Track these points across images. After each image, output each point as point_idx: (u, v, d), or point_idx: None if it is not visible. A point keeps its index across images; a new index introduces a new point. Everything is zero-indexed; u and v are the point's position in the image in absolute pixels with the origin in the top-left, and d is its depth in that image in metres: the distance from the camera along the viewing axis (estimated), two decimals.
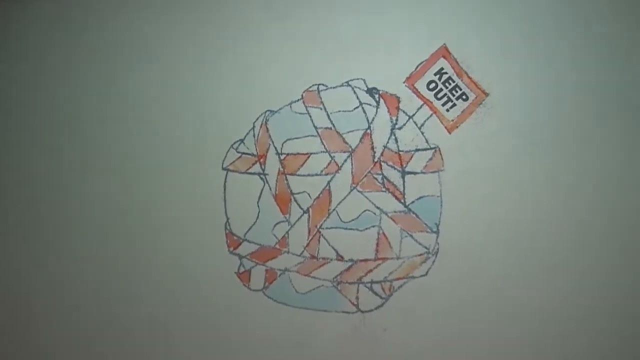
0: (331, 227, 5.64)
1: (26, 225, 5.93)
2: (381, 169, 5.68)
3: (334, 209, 5.67)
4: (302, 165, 5.74)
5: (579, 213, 5.39)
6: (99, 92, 6.04)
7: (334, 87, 5.80)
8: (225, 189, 5.79)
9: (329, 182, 5.71)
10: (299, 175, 5.75)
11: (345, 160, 5.70)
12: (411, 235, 5.57)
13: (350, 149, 5.74)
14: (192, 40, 5.98)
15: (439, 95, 5.68)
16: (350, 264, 5.60)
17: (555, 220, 5.40)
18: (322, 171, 5.73)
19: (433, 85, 5.69)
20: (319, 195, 5.71)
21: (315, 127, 5.77)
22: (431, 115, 5.66)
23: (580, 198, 5.40)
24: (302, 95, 5.85)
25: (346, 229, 5.64)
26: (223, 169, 5.84)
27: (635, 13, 5.65)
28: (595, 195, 5.39)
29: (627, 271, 5.26)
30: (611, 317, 5.25)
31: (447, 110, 5.65)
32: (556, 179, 5.45)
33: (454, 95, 5.66)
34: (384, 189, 5.67)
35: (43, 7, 6.15)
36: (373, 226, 5.62)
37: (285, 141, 5.82)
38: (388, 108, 5.73)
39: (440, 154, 5.64)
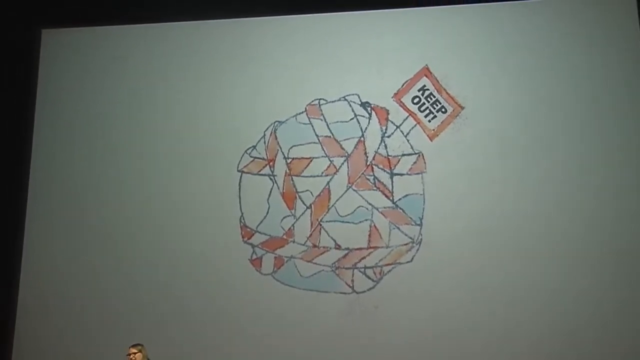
0: (330, 221, 6.40)
1: (74, 223, 6.64)
2: (373, 171, 6.47)
3: (332, 205, 6.43)
4: (305, 168, 6.51)
5: (545, 208, 6.16)
6: (134, 107, 6.75)
7: (332, 101, 6.63)
8: (240, 188, 6.55)
9: (328, 182, 6.48)
10: (303, 176, 6.52)
11: (342, 164, 6.49)
12: (398, 228, 6.34)
13: (346, 154, 6.52)
14: (212, 62, 6.73)
15: (422, 108, 6.51)
16: (346, 252, 6.35)
17: (523, 214, 6.17)
18: (322, 173, 6.50)
19: (417, 99, 6.53)
20: (320, 193, 6.47)
21: (317, 136, 6.56)
22: (415, 125, 6.49)
23: (545, 195, 6.19)
24: (305, 108, 6.66)
25: (343, 222, 6.38)
26: (238, 171, 6.60)
27: (593, 35, 6.39)
28: (559, 193, 6.18)
29: (588, 256, 6.02)
30: (575, 294, 5.97)
31: (429, 121, 6.48)
32: (524, 180, 6.25)
33: (434, 109, 6.49)
34: (375, 188, 6.45)
35: (93, 34, 6.90)
36: (366, 220, 6.37)
37: (291, 147, 6.60)
38: (378, 119, 6.54)
39: (423, 158, 6.43)
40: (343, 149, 6.51)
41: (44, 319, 6.42)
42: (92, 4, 6.74)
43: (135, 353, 5.15)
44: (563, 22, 6.40)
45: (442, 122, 6.45)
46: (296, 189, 6.48)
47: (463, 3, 6.55)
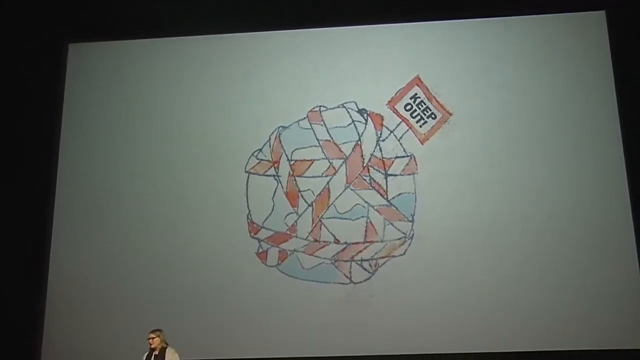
0: (330, 217, 6.83)
1: (96, 222, 7.06)
2: (369, 172, 6.92)
3: (332, 203, 6.85)
4: (307, 169, 6.95)
5: (525, 206, 6.65)
6: (152, 114, 7.19)
7: (332, 108, 7.09)
8: (247, 188, 6.97)
9: (328, 182, 6.91)
10: (305, 176, 6.95)
11: (341, 165, 6.93)
12: (392, 224, 6.79)
13: (344, 156, 6.95)
14: (221, 73, 7.20)
15: (414, 115, 6.99)
16: (344, 246, 6.77)
17: (506, 212, 6.67)
18: (322, 174, 6.94)
19: (409, 106, 7.01)
20: (321, 192, 6.89)
21: (318, 139, 7.00)
22: (407, 130, 6.96)
23: (526, 194, 6.67)
24: (307, 115, 7.11)
25: (342, 218, 6.81)
26: (245, 172, 7.02)
27: (569, 49, 6.88)
28: (539, 192, 6.67)
29: (565, 250, 6.51)
30: (553, 283, 6.44)
31: (420, 126, 6.96)
32: (506, 179, 6.74)
33: (425, 115, 6.98)
34: (371, 188, 6.88)
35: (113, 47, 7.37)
36: (362, 216, 6.81)
37: (294, 150, 7.04)
38: (374, 124, 7.01)
39: (415, 160, 6.89)
40: (341, 151, 6.96)
41: (70, 309, 6.84)
42: (114, 20, 7.23)
43: (153, 338, 5.50)
44: (543, 38, 6.91)
45: (432, 127, 6.92)
46: (299, 189, 6.92)
47: (452, 19, 7.02)
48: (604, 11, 6.86)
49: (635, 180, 6.57)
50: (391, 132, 6.96)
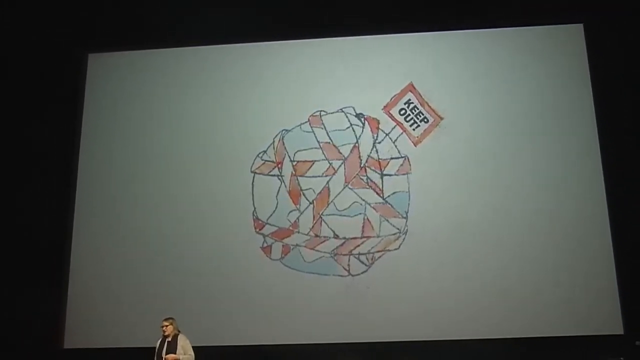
0: (330, 214, 7.19)
1: (114, 222, 7.43)
2: (366, 172, 7.28)
3: (331, 201, 7.21)
4: (308, 169, 7.31)
5: (512, 204, 7.04)
6: (166, 120, 7.55)
7: (331, 113, 7.45)
8: (252, 187, 7.33)
9: (328, 182, 7.27)
10: (306, 176, 7.30)
11: (340, 166, 7.29)
12: (387, 220, 7.16)
13: (343, 158, 7.32)
14: (229, 81, 7.58)
15: (408, 119, 7.37)
16: (343, 240, 7.13)
17: (493, 210, 7.05)
18: (323, 174, 7.29)
19: (403, 111, 7.40)
20: (321, 191, 7.25)
21: (318, 142, 7.36)
22: (402, 133, 7.34)
23: (512, 193, 7.05)
24: (308, 119, 7.48)
25: (340, 215, 7.17)
26: (251, 172, 7.38)
27: (553, 57, 7.25)
28: (524, 191, 7.04)
29: (548, 244, 6.90)
30: (538, 275, 6.81)
31: (414, 130, 7.35)
32: (494, 180, 7.13)
33: (418, 119, 7.36)
34: (368, 187, 7.24)
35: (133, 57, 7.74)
36: (360, 213, 7.18)
37: (296, 152, 7.40)
38: (371, 128, 7.38)
39: (409, 161, 7.26)
40: (340, 153, 7.32)
41: (89, 299, 7.18)
42: (131, 32, 7.62)
43: (167, 325, 5.82)
44: (526, 48, 7.32)
45: (424, 131, 7.29)
46: (300, 187, 7.27)
47: (443, 30, 7.43)
48: (582, 24, 7.29)
49: (610, 182, 6.97)
50: (387, 135, 7.32)
